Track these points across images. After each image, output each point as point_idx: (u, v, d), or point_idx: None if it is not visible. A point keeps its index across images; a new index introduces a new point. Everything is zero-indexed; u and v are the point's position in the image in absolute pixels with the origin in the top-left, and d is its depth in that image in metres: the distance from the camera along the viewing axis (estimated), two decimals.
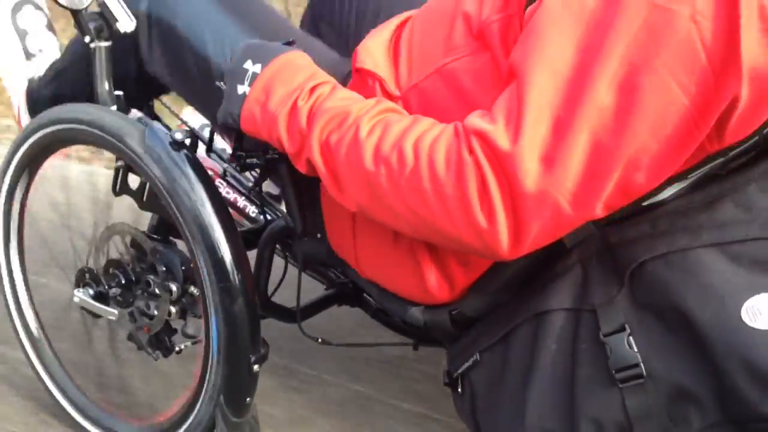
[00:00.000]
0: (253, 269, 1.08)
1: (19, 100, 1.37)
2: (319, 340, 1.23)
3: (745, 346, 0.75)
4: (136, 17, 1.13)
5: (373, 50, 0.99)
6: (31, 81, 1.38)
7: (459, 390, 0.99)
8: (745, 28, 0.66)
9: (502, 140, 0.73)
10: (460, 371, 0.98)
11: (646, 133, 0.71)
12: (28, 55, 1.39)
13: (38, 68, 1.36)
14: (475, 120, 0.77)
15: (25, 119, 1.32)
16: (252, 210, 1.36)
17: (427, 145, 0.78)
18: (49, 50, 1.36)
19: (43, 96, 1.34)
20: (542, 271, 0.90)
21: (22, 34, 1.37)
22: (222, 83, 0.95)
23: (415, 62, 0.95)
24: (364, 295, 1.23)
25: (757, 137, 0.77)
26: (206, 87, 1.11)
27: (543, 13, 0.76)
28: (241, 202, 1.37)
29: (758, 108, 0.71)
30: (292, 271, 1.14)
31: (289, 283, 1.14)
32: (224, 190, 1.35)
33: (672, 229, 0.82)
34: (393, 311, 1.08)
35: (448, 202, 0.76)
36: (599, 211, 0.76)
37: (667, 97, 0.69)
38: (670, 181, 0.82)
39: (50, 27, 1.37)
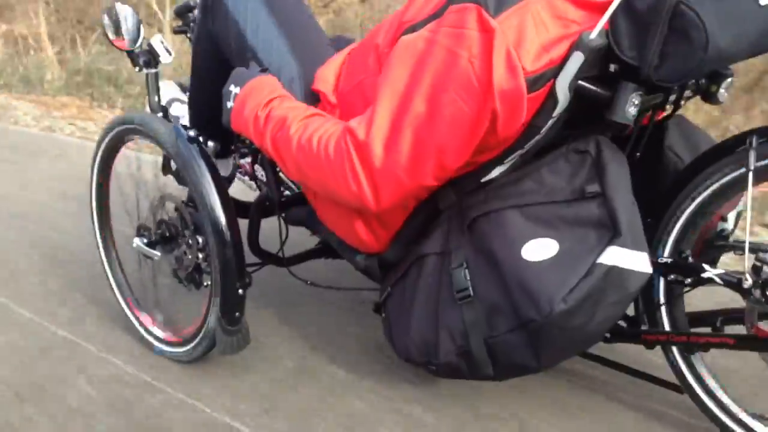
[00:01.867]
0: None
1: None
2: (309, 282, 1.68)
3: (521, 273, 1.12)
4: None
5: (325, 73, 1.42)
6: None
7: (382, 315, 1.41)
8: (496, 66, 1.04)
9: (361, 134, 1.15)
10: (381, 300, 1.40)
11: (447, 130, 1.10)
12: None
13: None
14: (352, 121, 1.19)
15: None
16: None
17: (326, 139, 1.20)
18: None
19: None
20: (428, 227, 1.31)
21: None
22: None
23: (347, 79, 1.37)
24: None
25: (538, 136, 1.14)
26: (239, 55, 1.49)
27: (395, 51, 1.17)
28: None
29: (513, 115, 1.07)
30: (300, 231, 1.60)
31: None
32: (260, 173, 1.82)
33: (494, 197, 1.21)
34: (346, 258, 1.51)
35: (335, 174, 1.19)
36: (430, 181, 1.17)
37: (456, 108, 1.09)
38: (493, 164, 1.21)
39: None
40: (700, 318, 1.28)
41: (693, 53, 0.97)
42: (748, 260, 1.11)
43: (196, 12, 1.86)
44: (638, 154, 1.28)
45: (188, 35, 1.93)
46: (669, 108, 1.22)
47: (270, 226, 1.61)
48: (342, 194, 1.21)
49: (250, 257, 1.56)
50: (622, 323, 1.35)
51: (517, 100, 1.06)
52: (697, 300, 1.35)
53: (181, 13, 1.93)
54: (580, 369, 1.54)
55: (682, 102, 1.22)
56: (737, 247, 1.14)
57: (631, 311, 1.33)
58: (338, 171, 1.18)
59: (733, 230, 1.34)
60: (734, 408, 1.23)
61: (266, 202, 1.56)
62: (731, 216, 1.30)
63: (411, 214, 1.32)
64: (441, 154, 1.13)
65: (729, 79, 1.21)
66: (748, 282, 1.10)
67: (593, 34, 1.04)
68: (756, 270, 1.10)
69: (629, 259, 1.08)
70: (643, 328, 1.30)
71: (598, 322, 1.10)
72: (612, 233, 1.08)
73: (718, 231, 1.26)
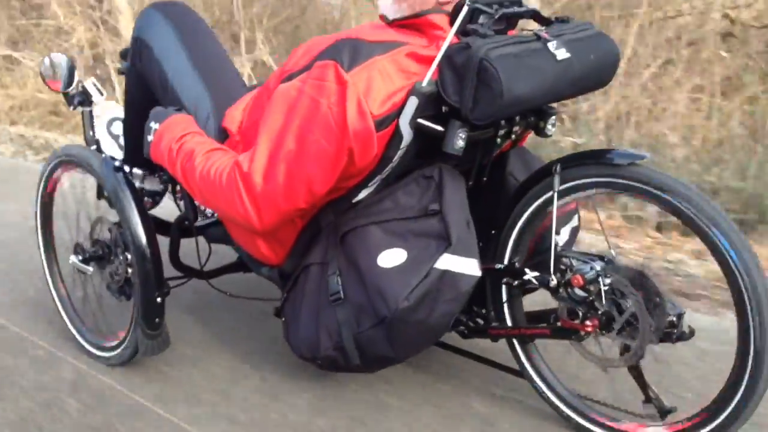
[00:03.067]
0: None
1: None
2: (228, 293, 1.91)
3: (377, 278, 1.36)
4: (132, 40, 1.80)
5: (234, 113, 1.66)
6: None
7: (282, 319, 1.64)
8: (349, 111, 1.29)
9: (245, 166, 1.39)
10: (280, 306, 1.63)
11: (313, 164, 1.35)
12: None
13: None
14: (241, 155, 1.43)
15: None
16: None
17: (220, 170, 1.44)
18: None
19: None
20: (313, 241, 1.55)
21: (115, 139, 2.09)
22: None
23: (249, 118, 1.62)
24: None
25: (391, 164, 1.39)
26: (163, 88, 1.73)
27: (274, 97, 1.42)
28: None
29: (365, 150, 1.32)
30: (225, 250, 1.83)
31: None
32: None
33: (361, 215, 1.46)
34: (255, 270, 1.75)
35: (227, 199, 1.43)
36: (303, 204, 1.41)
37: (320, 146, 1.33)
38: (359, 188, 1.45)
39: None
40: (538, 316, 1.52)
41: (493, 99, 1.23)
42: (554, 264, 1.36)
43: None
44: (485, 179, 1.54)
45: None
46: (501, 140, 1.47)
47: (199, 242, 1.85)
48: (233, 216, 1.45)
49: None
50: (480, 321, 1.59)
51: (368, 138, 1.31)
52: None
53: (126, 55, 2.17)
54: (443, 359, 1.78)
55: (513, 136, 1.47)
56: (558, 255, 1.39)
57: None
58: (229, 197, 1.42)
59: (570, 241, 1.60)
60: (561, 389, 1.48)
61: (185, 222, 1.79)
62: (564, 230, 1.56)
63: (301, 231, 1.56)
64: (309, 182, 1.37)
65: (553, 117, 1.47)
66: (554, 282, 1.36)
67: (424, 83, 1.29)
68: (562, 272, 1.36)
69: (460, 264, 1.32)
70: (494, 324, 1.54)
71: (438, 316, 1.34)
72: (447, 243, 1.33)
73: (550, 242, 1.51)
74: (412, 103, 1.31)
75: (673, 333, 1.35)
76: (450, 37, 1.28)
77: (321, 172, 1.36)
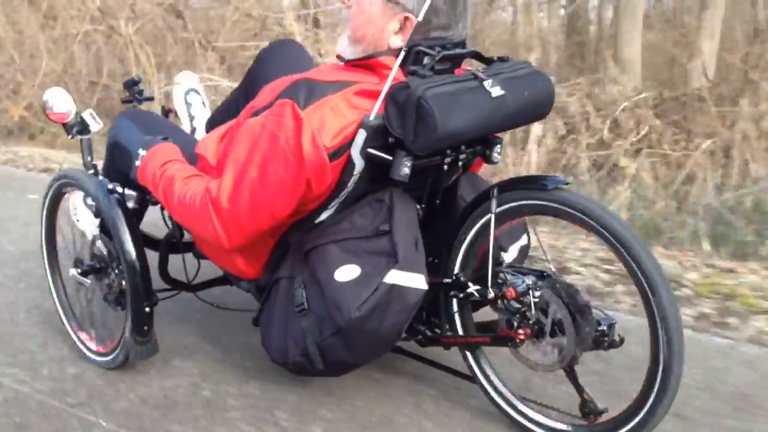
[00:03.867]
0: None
1: None
2: (215, 305, 2.07)
3: (334, 291, 1.51)
4: (109, 142, 2.03)
5: (207, 141, 1.83)
6: None
7: (259, 328, 1.80)
8: (304, 145, 1.44)
9: (214, 192, 1.55)
10: (257, 315, 1.79)
11: (273, 191, 1.51)
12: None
13: None
14: (212, 182, 1.60)
15: None
16: None
17: (195, 195, 1.61)
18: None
19: None
20: (283, 257, 1.71)
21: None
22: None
23: (224, 148, 1.78)
24: None
25: (347, 189, 1.54)
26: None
27: (240, 130, 1.58)
28: None
29: (321, 178, 1.48)
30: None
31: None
32: None
33: (322, 234, 1.61)
34: (235, 284, 1.91)
35: (199, 221, 1.59)
36: (266, 227, 1.57)
37: (279, 176, 1.49)
38: (320, 211, 1.61)
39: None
40: (486, 326, 1.67)
41: (429, 133, 1.38)
42: (492, 278, 1.51)
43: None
44: (438, 202, 1.69)
45: (134, 104, 2.33)
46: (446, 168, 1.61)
47: (187, 256, 2.01)
48: (206, 236, 1.62)
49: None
50: (438, 330, 1.74)
51: (322, 168, 1.46)
52: None
53: (128, 86, 2.34)
54: (402, 365, 1.93)
55: (459, 163, 1.62)
56: (497, 271, 1.53)
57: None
58: (201, 219, 1.59)
59: (520, 259, 1.74)
60: (507, 393, 1.62)
61: (172, 239, 1.96)
62: (513, 247, 1.70)
63: (273, 248, 1.72)
64: (271, 208, 1.53)
65: (498, 145, 1.61)
66: (492, 295, 1.50)
67: (371, 117, 1.45)
68: (499, 286, 1.50)
69: (406, 278, 1.47)
70: (447, 334, 1.69)
71: (388, 325, 1.49)
72: (395, 260, 1.48)
73: (497, 258, 1.65)
74: (361, 135, 1.46)
75: (604, 341, 1.48)
76: (391, 77, 1.44)
77: (281, 198, 1.52)
